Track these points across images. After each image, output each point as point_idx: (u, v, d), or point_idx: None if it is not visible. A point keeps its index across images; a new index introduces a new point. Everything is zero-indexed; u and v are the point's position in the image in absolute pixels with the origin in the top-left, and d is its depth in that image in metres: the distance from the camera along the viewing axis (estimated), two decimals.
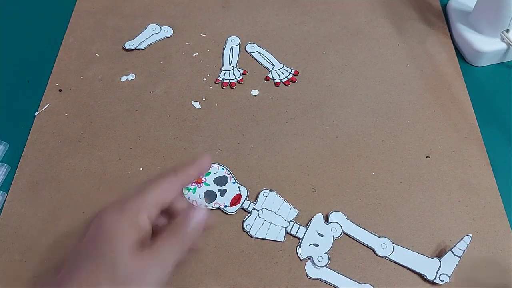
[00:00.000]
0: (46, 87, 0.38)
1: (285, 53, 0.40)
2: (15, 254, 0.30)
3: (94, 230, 0.23)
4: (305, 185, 0.32)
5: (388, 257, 0.29)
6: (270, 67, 0.39)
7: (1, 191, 0.32)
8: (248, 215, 0.31)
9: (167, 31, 0.42)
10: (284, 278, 0.28)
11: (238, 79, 0.38)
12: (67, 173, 0.33)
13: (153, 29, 0.42)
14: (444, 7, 0.43)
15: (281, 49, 0.40)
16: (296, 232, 0.30)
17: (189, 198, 0.32)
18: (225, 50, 0.41)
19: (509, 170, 0.33)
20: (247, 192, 0.32)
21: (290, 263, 0.29)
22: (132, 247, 0.22)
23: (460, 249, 0.29)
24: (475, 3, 0.39)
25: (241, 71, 0.39)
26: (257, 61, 0.40)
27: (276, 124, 0.36)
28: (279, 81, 0.38)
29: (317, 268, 0.29)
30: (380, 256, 0.29)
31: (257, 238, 0.30)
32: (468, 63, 0.39)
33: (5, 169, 0.33)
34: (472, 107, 0.36)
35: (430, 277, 0.28)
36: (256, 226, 0.30)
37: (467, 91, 0.37)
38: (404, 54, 0.40)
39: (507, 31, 0.38)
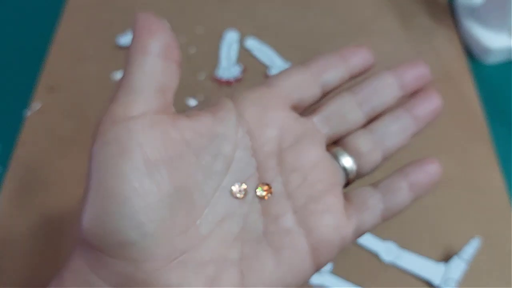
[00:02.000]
0: (37, 86, 0.37)
1: (286, 49, 0.39)
2: (5, 259, 0.29)
3: None
4: None
5: (393, 262, 0.28)
6: (271, 63, 0.38)
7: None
8: None
9: None
10: None
11: (236, 76, 0.37)
12: (60, 175, 0.32)
13: None
14: (451, 1, 0.42)
15: (282, 44, 0.39)
16: None
17: None
18: (223, 46, 0.39)
19: None
20: None
21: None
22: None
23: (467, 253, 0.28)
24: None
25: (240, 68, 0.38)
26: (257, 57, 0.39)
27: None
28: None
29: (320, 274, 0.28)
30: (385, 261, 0.28)
31: None
32: (477, 60, 0.38)
33: None
34: (480, 106, 0.35)
35: (436, 282, 0.28)
36: None
37: (475, 89, 0.36)
38: (409, 50, 0.39)
39: None
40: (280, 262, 0.15)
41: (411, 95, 0.20)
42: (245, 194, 0.16)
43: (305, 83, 0.18)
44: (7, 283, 0.28)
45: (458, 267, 0.28)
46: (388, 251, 0.29)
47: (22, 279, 0.28)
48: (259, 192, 0.16)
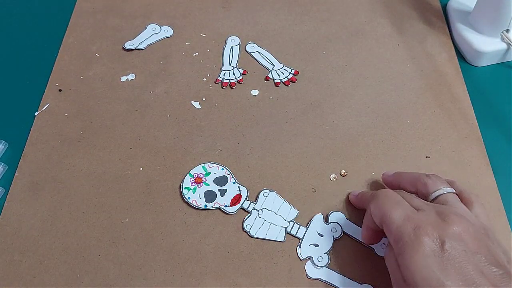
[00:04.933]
0: (46, 87, 0.38)
1: (285, 53, 0.40)
2: (15, 254, 0.30)
3: None
4: (305, 185, 0.32)
5: None
6: (270, 67, 0.39)
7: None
8: (248, 215, 0.31)
9: (167, 31, 0.42)
10: (284, 278, 0.29)
11: (238, 79, 0.38)
12: (67, 173, 0.33)
13: (153, 29, 0.42)
14: (444, 7, 0.43)
15: (281, 49, 0.40)
16: (296, 232, 0.30)
17: (189, 198, 0.32)
18: (225, 50, 0.41)
19: (509, 170, 0.33)
20: (247, 192, 0.32)
21: (290, 263, 0.29)
22: None
23: None
24: (475, 3, 0.39)
25: (241, 71, 0.39)
26: (257, 61, 0.40)
27: (276, 124, 0.36)
28: (279, 81, 0.38)
29: (317, 268, 0.29)
30: (380, 256, 0.29)
31: (257, 238, 0.30)
32: (468, 63, 0.39)
33: (1, 168, 0.33)
34: (472, 107, 0.36)
35: None
36: (256, 226, 0.30)
37: (467, 91, 0.37)
38: (404, 54, 0.40)
39: (507, 31, 0.38)
40: None
41: None
42: None
43: None
44: (17, 275, 0.29)
45: None
46: (383, 246, 0.29)
47: (30, 273, 0.29)
48: None
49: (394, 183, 0.29)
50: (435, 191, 0.26)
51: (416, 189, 0.27)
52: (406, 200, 0.25)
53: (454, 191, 0.26)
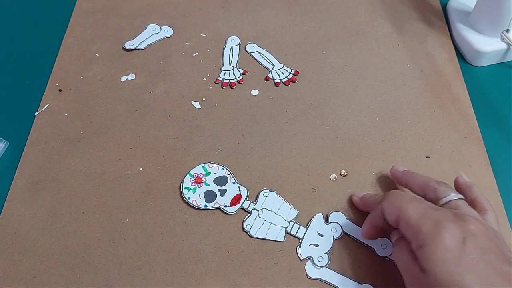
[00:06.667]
0: (46, 87, 0.38)
1: (285, 53, 0.40)
2: (15, 254, 0.30)
3: None
4: (305, 185, 0.32)
5: (388, 257, 0.29)
6: (270, 67, 0.39)
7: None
8: (248, 215, 0.31)
9: (167, 31, 0.42)
10: (284, 278, 0.29)
11: (238, 79, 0.38)
12: (67, 173, 0.33)
13: (153, 29, 0.42)
14: (444, 7, 0.43)
15: (281, 49, 0.40)
16: (296, 232, 0.30)
17: (189, 198, 0.32)
18: (225, 50, 0.41)
19: (509, 170, 0.33)
20: (247, 192, 0.32)
21: (290, 263, 0.29)
22: None
23: None
24: (475, 3, 0.39)
25: (241, 71, 0.39)
26: (257, 61, 0.40)
27: (276, 124, 0.36)
28: (279, 81, 0.38)
29: (317, 268, 0.29)
30: (380, 256, 0.29)
31: (257, 238, 0.30)
32: (468, 63, 0.39)
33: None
34: (472, 107, 0.36)
35: None
36: (256, 226, 0.30)
37: (467, 91, 0.37)
38: (404, 54, 0.40)
39: (507, 31, 0.38)
40: None
41: None
42: None
43: None
44: (17, 275, 0.29)
45: None
46: (383, 246, 0.29)
47: (30, 273, 0.29)
48: None
49: (402, 181, 0.30)
50: (446, 197, 0.26)
51: (424, 193, 0.28)
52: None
53: (464, 198, 0.27)
